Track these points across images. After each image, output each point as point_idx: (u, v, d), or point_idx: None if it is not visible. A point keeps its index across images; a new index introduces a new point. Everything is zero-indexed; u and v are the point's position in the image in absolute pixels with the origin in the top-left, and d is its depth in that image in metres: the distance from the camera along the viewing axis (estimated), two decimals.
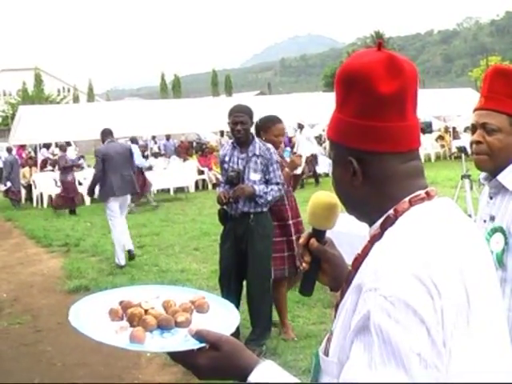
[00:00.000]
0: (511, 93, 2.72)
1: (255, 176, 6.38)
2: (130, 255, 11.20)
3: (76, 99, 75.39)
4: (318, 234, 1.78)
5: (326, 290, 1.93)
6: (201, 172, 23.75)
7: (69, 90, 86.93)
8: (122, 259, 10.86)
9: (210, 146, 27.96)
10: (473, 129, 2.87)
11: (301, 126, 25.69)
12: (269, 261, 6.48)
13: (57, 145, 33.80)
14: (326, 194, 1.77)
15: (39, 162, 22.99)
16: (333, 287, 1.82)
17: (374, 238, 1.47)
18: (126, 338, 1.51)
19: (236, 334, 1.64)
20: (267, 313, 6.56)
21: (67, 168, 18.82)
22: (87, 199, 20.92)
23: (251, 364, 1.43)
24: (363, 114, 1.45)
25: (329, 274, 1.82)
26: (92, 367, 6.44)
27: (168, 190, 22.07)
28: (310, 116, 27.48)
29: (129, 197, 11.70)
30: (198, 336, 1.46)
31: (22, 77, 72.95)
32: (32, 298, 9.37)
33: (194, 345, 1.46)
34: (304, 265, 1.80)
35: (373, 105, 1.44)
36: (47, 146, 27.78)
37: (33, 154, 26.01)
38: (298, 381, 1.42)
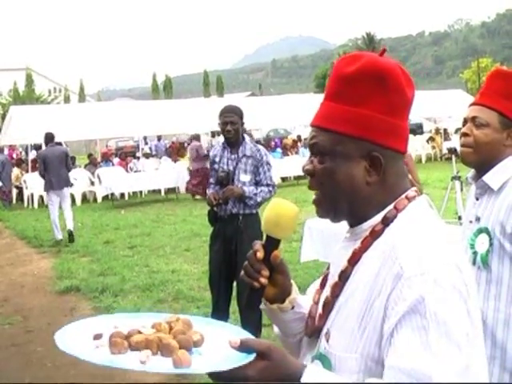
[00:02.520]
0: (506, 94, 2.79)
1: (245, 177, 6.37)
2: (70, 235, 13.67)
3: (67, 99, 75.37)
4: (274, 243, 1.65)
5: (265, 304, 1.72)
6: None
7: (60, 91, 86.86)
8: (58, 235, 13.63)
9: None
10: (464, 122, 2.94)
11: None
12: None
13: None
14: (288, 203, 1.66)
15: (30, 162, 22.94)
16: (279, 298, 1.71)
17: (375, 234, 1.51)
18: (170, 363, 1.37)
19: None
20: (258, 313, 6.56)
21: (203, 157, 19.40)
22: (78, 200, 20.96)
23: (299, 368, 1.37)
24: (393, 111, 1.53)
25: (280, 285, 1.70)
26: (83, 366, 6.41)
27: (159, 191, 22.05)
28: (302, 117, 27.54)
29: (67, 190, 13.93)
30: (246, 346, 1.36)
31: (13, 77, 72.74)
32: (22, 299, 9.36)
33: (247, 358, 1.34)
34: (263, 280, 1.61)
35: (402, 105, 1.54)
36: (37, 147, 27.68)
37: (24, 154, 25.94)
38: (346, 380, 1.42)
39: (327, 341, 1.52)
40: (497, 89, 2.81)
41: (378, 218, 1.53)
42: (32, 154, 24.52)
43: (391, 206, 1.52)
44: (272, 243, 1.65)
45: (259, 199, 6.32)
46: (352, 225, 1.60)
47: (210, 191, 6.56)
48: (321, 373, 1.41)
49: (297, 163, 22.83)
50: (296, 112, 26.40)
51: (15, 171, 22.61)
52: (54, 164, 13.38)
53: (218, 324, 1.60)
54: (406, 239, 1.44)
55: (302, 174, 11.08)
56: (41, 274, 10.95)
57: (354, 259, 1.52)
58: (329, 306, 1.56)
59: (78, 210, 19.46)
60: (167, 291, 8.93)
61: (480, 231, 2.78)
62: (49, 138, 13.78)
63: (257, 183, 6.38)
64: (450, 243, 1.46)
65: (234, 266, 6.40)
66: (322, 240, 8.30)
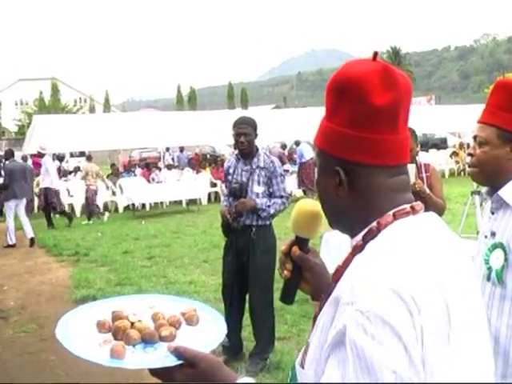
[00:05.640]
0: (504, 105, 2.71)
1: (259, 188, 6.34)
2: (31, 241, 15.14)
3: (92, 109, 76.00)
4: (301, 242, 1.77)
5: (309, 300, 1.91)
6: (213, 184, 23.78)
7: (85, 101, 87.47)
8: (11, 240, 15.09)
9: (223, 159, 28.00)
10: (473, 142, 2.87)
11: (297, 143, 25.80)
12: (271, 274, 6.44)
13: (72, 155, 34.13)
14: (310, 202, 1.76)
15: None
16: (314, 297, 1.78)
17: (356, 250, 1.43)
18: (107, 353, 1.50)
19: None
20: (270, 326, 6.52)
21: None
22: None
23: (229, 380, 1.42)
24: (354, 124, 1.41)
25: (310, 283, 1.79)
26: (95, 377, 6.40)
27: (180, 202, 22.07)
28: None
29: (24, 200, 15.78)
30: (176, 353, 1.46)
31: (39, 86, 73.58)
32: (39, 307, 9.39)
33: (172, 362, 1.45)
34: (286, 273, 1.78)
35: (365, 116, 1.40)
36: (60, 158, 27.89)
37: None
38: None
39: (305, 355, 1.49)
40: (496, 102, 2.73)
41: (361, 234, 1.46)
42: (55, 164, 24.69)
43: (374, 223, 1.43)
44: (299, 241, 1.77)
45: (272, 211, 6.29)
46: (351, 237, 1.55)
47: (223, 204, 6.55)
48: None
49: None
50: (316, 125, 26.37)
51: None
52: (17, 177, 15.28)
53: (220, 328, 1.68)
54: (361, 260, 1.36)
55: None
56: (58, 282, 10.97)
57: (337, 276, 1.45)
58: (315, 320, 1.52)
59: (100, 219, 19.57)
60: None
61: (495, 246, 2.70)
62: (9, 154, 16.34)
63: (270, 195, 6.35)
64: (418, 267, 1.28)
65: (246, 277, 6.38)
66: (339, 253, 8.24)
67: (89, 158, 20.89)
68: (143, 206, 21.38)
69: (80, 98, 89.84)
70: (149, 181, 23.21)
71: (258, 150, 6.47)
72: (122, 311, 1.67)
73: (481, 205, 9.09)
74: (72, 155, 36.46)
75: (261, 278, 6.34)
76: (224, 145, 35.41)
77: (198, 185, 22.43)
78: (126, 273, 11.15)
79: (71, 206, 21.26)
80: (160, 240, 14.96)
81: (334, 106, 1.46)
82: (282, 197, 6.37)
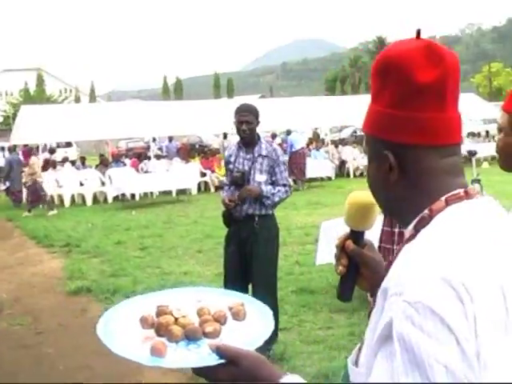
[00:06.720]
0: None
1: (261, 177, 6.22)
2: None
3: (77, 100, 75.38)
4: (356, 235, 1.69)
5: (367, 297, 1.82)
6: (203, 174, 23.71)
7: (70, 91, 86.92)
8: None
9: (212, 149, 27.93)
10: None
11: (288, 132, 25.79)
12: (274, 264, 6.35)
13: (58, 145, 33.94)
14: (363, 194, 1.68)
15: (41, 162, 22.90)
16: (373, 293, 1.69)
17: (408, 240, 1.37)
18: (148, 351, 1.43)
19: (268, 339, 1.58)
20: (274, 317, 6.41)
21: None
22: (89, 200, 20.92)
23: (273, 379, 1.36)
24: (399, 104, 1.36)
25: (368, 278, 1.71)
26: (94, 371, 6.30)
27: (170, 192, 21.94)
28: (313, 120, 27.47)
29: None
30: (218, 351, 1.40)
31: (24, 77, 72.98)
32: (33, 299, 9.25)
33: (214, 360, 1.39)
34: (341, 268, 1.69)
35: (410, 94, 1.35)
36: (52, 150, 27.69)
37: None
38: None
39: (359, 352, 1.43)
40: None
41: (413, 224, 1.39)
42: (43, 155, 24.51)
43: (426, 210, 1.35)
44: (354, 235, 1.69)
45: (276, 199, 6.18)
46: (405, 227, 1.46)
47: (224, 193, 6.41)
48: None
49: (307, 166, 22.76)
50: (307, 114, 26.32)
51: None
52: None
53: (268, 323, 1.60)
54: (410, 249, 1.29)
55: (313, 176, 11.04)
56: (51, 274, 10.81)
57: (388, 268, 1.37)
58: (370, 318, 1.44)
59: (89, 210, 19.48)
60: None
61: None
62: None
63: (273, 183, 6.24)
64: (471, 254, 1.20)
65: (249, 268, 6.26)
66: None
67: (51, 151, 21.04)
68: (133, 196, 21.21)
69: (65, 89, 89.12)
70: (138, 171, 23.07)
71: (259, 138, 6.35)
72: (167, 306, 1.59)
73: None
74: (58, 146, 36.22)
75: (264, 268, 6.23)
76: (211, 135, 35.33)
77: (187, 175, 22.33)
78: (120, 264, 11.02)
79: (60, 197, 21.08)
80: (152, 230, 14.83)
81: (378, 88, 1.42)
82: (285, 185, 6.26)
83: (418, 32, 1.40)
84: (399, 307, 1.15)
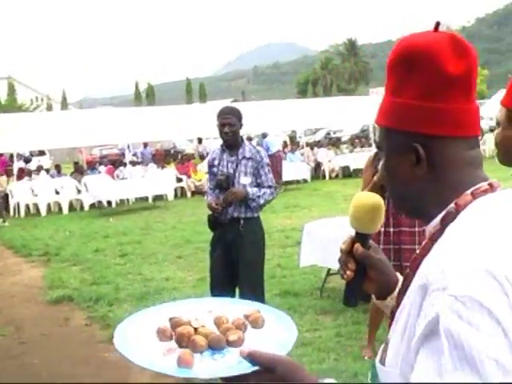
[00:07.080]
0: None
1: (246, 179, 6.18)
2: None
3: (49, 108, 74.97)
4: (362, 238, 1.65)
5: (373, 299, 1.81)
6: (179, 180, 23.59)
7: (42, 100, 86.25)
8: None
9: (188, 154, 27.87)
10: None
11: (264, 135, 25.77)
12: (261, 266, 6.32)
13: (31, 154, 33.67)
14: (369, 195, 1.66)
15: (15, 171, 22.72)
16: (380, 295, 1.70)
17: (435, 236, 1.34)
18: (174, 362, 1.39)
19: None
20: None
21: None
22: (65, 208, 20.75)
23: (310, 382, 1.31)
24: (428, 95, 1.34)
25: (375, 281, 1.69)
26: (81, 380, 6.23)
27: (146, 198, 21.81)
28: (286, 122, 27.49)
29: None
30: (251, 358, 1.32)
31: None
32: (14, 309, 9.13)
33: (247, 368, 1.33)
34: (348, 273, 1.65)
35: (439, 85, 1.33)
36: (27, 159, 27.49)
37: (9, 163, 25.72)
38: None
39: (384, 353, 1.40)
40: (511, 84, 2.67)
41: (439, 218, 1.37)
42: (18, 164, 24.30)
43: (452, 204, 1.34)
44: (360, 238, 1.65)
45: (262, 201, 6.14)
46: (426, 223, 1.44)
47: (209, 197, 6.36)
48: None
49: (283, 169, 22.79)
50: (281, 117, 26.32)
51: (3, 179, 22.36)
52: None
53: (289, 329, 1.55)
54: (444, 244, 1.27)
55: (289, 179, 11.01)
56: (31, 283, 10.70)
57: (415, 265, 1.36)
58: (393, 317, 1.42)
59: (66, 218, 19.33)
60: (163, 299, 8.68)
61: None
62: None
63: (258, 185, 6.20)
64: (506, 247, 1.19)
65: (235, 272, 6.22)
66: (321, 245, 8.18)
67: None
68: (109, 203, 21.07)
69: (36, 97, 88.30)
70: (113, 177, 22.93)
71: (243, 140, 6.33)
72: (181, 317, 1.55)
73: None
74: (32, 154, 35.92)
75: (251, 271, 6.19)
76: (184, 140, 35.26)
77: (163, 180, 22.21)
78: (100, 271, 10.93)
79: (36, 206, 20.89)
80: (130, 237, 14.72)
81: (401, 80, 1.38)
82: (270, 187, 6.22)
83: (437, 24, 1.39)
84: (445, 302, 1.13)
